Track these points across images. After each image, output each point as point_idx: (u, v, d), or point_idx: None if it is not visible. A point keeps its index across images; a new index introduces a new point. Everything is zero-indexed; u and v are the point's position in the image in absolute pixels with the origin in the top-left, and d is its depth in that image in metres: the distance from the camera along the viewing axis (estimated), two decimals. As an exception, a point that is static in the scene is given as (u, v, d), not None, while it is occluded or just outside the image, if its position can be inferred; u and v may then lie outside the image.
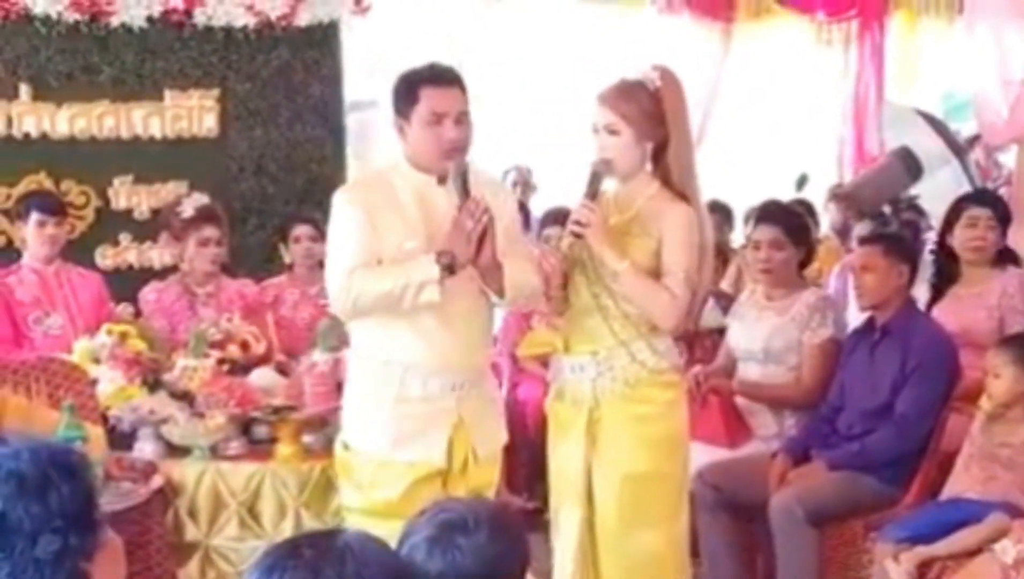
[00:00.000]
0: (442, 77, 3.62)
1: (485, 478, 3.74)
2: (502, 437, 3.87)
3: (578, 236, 3.68)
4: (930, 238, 6.50)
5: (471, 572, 2.22)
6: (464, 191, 3.56)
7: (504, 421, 3.92)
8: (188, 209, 5.49)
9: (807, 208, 7.25)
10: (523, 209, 6.09)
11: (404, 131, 3.64)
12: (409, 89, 3.61)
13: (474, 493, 3.64)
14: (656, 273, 3.72)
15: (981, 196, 5.41)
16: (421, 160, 3.64)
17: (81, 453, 2.11)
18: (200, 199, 5.63)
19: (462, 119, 3.61)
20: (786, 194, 7.64)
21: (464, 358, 3.68)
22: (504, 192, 3.91)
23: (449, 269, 3.51)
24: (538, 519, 5.41)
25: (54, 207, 5.55)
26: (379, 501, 3.60)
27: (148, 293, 5.57)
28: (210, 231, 5.46)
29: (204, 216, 5.49)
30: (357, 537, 1.84)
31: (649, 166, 3.78)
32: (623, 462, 3.76)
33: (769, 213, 5.05)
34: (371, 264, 3.56)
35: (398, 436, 3.61)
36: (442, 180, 3.63)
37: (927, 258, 5.40)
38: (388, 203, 3.62)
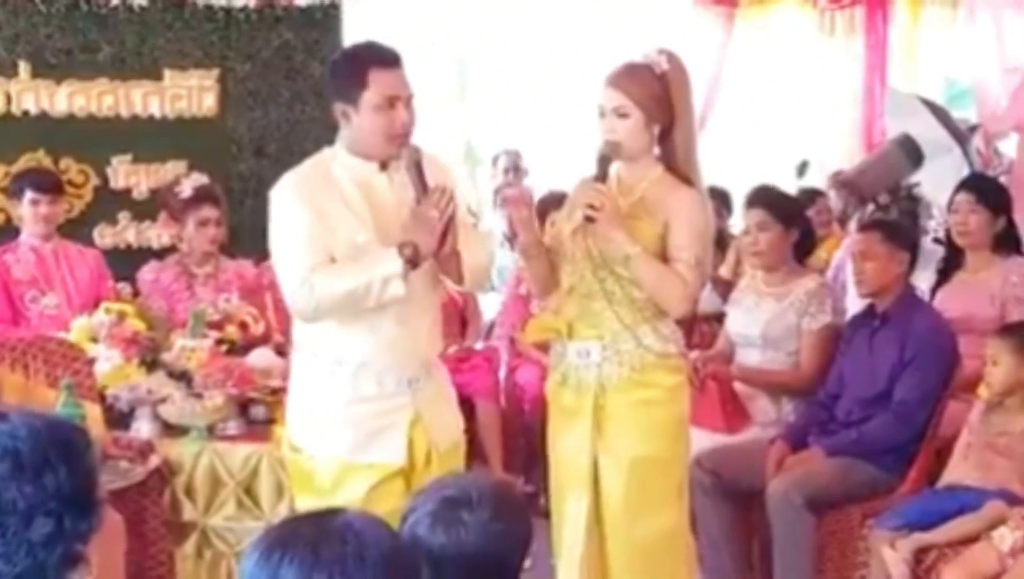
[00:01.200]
0: (390, 59, 3.44)
1: (449, 470, 3.61)
2: (459, 425, 3.74)
3: (591, 220, 3.62)
4: (930, 226, 6.51)
5: (474, 548, 2.22)
6: (420, 179, 3.42)
7: (458, 408, 3.79)
8: (187, 189, 5.47)
9: (811, 196, 7.24)
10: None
11: (348, 117, 3.44)
12: (356, 72, 3.41)
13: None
14: (660, 257, 3.71)
15: (966, 181, 5.43)
16: (366, 147, 3.46)
17: (82, 431, 2.08)
18: (199, 179, 5.62)
19: (410, 102, 3.46)
20: (787, 180, 7.63)
21: (417, 352, 3.56)
22: (448, 172, 3.69)
23: (412, 262, 3.36)
24: (535, 504, 5.42)
25: (48, 185, 5.54)
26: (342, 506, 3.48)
27: (146, 273, 5.56)
28: (209, 211, 5.45)
29: (203, 196, 5.47)
30: (358, 517, 1.84)
31: (657, 150, 3.77)
32: (630, 447, 3.75)
33: (755, 196, 5.05)
34: (326, 262, 3.40)
35: (356, 438, 3.47)
36: (384, 167, 3.49)
37: (928, 246, 5.41)
38: (332, 195, 3.44)
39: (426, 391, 3.58)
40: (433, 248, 3.40)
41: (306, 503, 3.56)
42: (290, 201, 3.42)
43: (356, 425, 3.50)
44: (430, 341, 3.66)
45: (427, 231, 3.37)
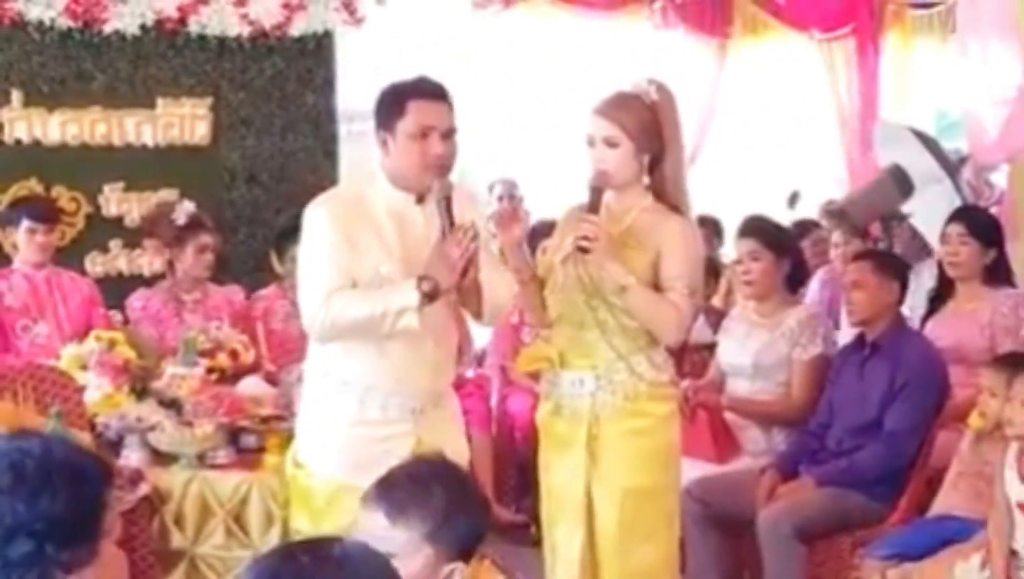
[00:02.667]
0: (431, 91, 3.52)
1: None
2: (464, 455, 3.73)
3: (585, 251, 3.62)
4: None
5: None
6: (448, 215, 3.46)
7: (464, 438, 3.83)
8: (182, 216, 5.49)
9: (806, 227, 7.25)
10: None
11: (387, 145, 3.52)
12: (396, 101, 3.49)
13: None
14: (651, 286, 3.71)
15: (957, 213, 5.45)
16: (402, 176, 3.52)
17: (103, 464, 2.05)
18: (189, 207, 5.63)
19: (448, 136, 3.51)
20: (779, 210, 7.65)
21: (427, 381, 3.60)
22: (475, 206, 3.78)
23: (430, 296, 3.40)
24: (526, 533, 5.41)
25: (45, 215, 5.55)
26: (331, 529, 3.41)
27: (134, 301, 5.57)
28: (207, 237, 5.48)
29: (198, 223, 5.50)
30: (354, 546, 1.83)
31: (646, 179, 3.77)
32: (624, 476, 3.74)
33: (747, 226, 5.07)
34: (347, 286, 3.46)
35: (356, 460, 3.47)
36: (420, 199, 3.54)
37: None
38: (365, 221, 3.50)
39: (431, 421, 3.61)
40: (452, 285, 3.44)
41: (300, 520, 3.65)
42: (321, 220, 3.50)
43: (357, 447, 3.53)
44: (442, 372, 3.69)
45: (448, 267, 3.41)
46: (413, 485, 2.30)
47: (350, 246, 3.45)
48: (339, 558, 1.77)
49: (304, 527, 3.61)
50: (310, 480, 3.60)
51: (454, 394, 3.85)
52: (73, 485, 1.96)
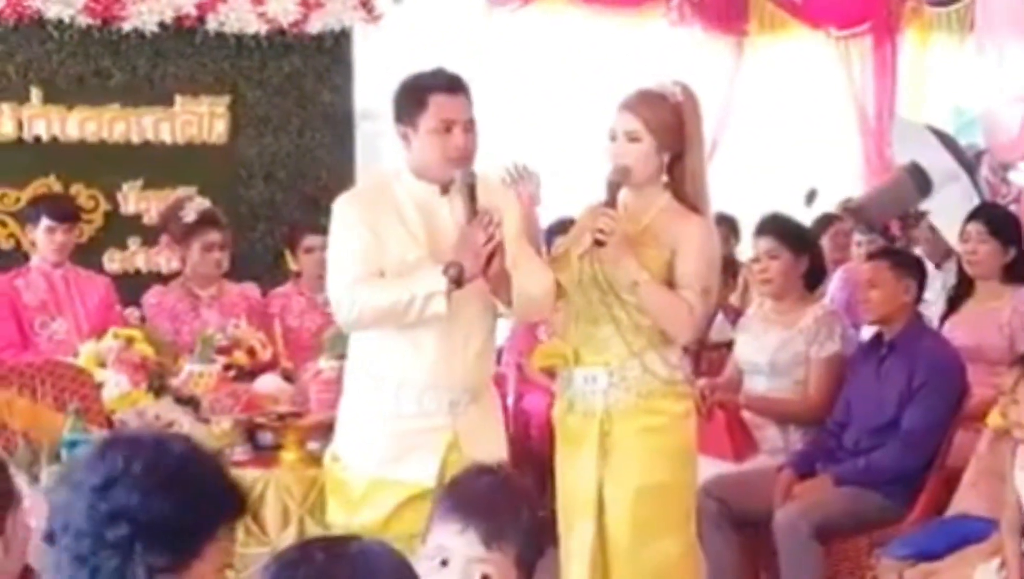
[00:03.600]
0: (451, 84, 3.56)
1: None
2: (501, 452, 3.75)
3: (601, 244, 3.62)
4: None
5: None
6: (471, 203, 3.51)
7: (503, 434, 3.86)
8: (191, 214, 5.50)
9: (828, 220, 7.23)
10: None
11: (409, 139, 3.57)
12: (417, 96, 3.54)
13: None
14: (667, 285, 3.71)
15: (976, 211, 5.44)
16: (426, 169, 3.57)
17: (233, 500, 2.05)
18: (202, 203, 5.64)
19: (469, 127, 3.56)
20: (796, 208, 7.62)
21: (463, 374, 3.62)
22: (509, 196, 3.84)
23: (456, 281, 3.43)
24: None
25: (65, 213, 5.57)
26: (367, 522, 3.51)
27: (150, 297, 5.59)
28: (214, 235, 5.49)
29: (207, 220, 5.50)
30: (372, 544, 1.83)
31: (664, 178, 3.78)
32: (636, 474, 3.74)
33: (765, 224, 5.06)
34: (374, 275, 3.51)
35: (391, 454, 3.56)
36: (445, 190, 3.59)
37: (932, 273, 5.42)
38: (390, 213, 3.56)
39: (470, 415, 3.64)
40: (478, 270, 3.47)
41: (336, 513, 3.70)
42: (347, 212, 3.58)
43: (393, 441, 3.58)
44: (478, 365, 3.70)
45: (473, 252, 3.45)
46: (507, 507, 2.23)
47: (375, 236, 3.51)
48: (355, 556, 1.77)
49: (339, 520, 3.65)
50: (346, 473, 3.66)
51: (495, 390, 3.87)
52: (192, 500, 1.97)
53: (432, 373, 3.56)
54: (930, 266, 6.10)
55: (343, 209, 3.61)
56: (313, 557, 1.77)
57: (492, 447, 3.70)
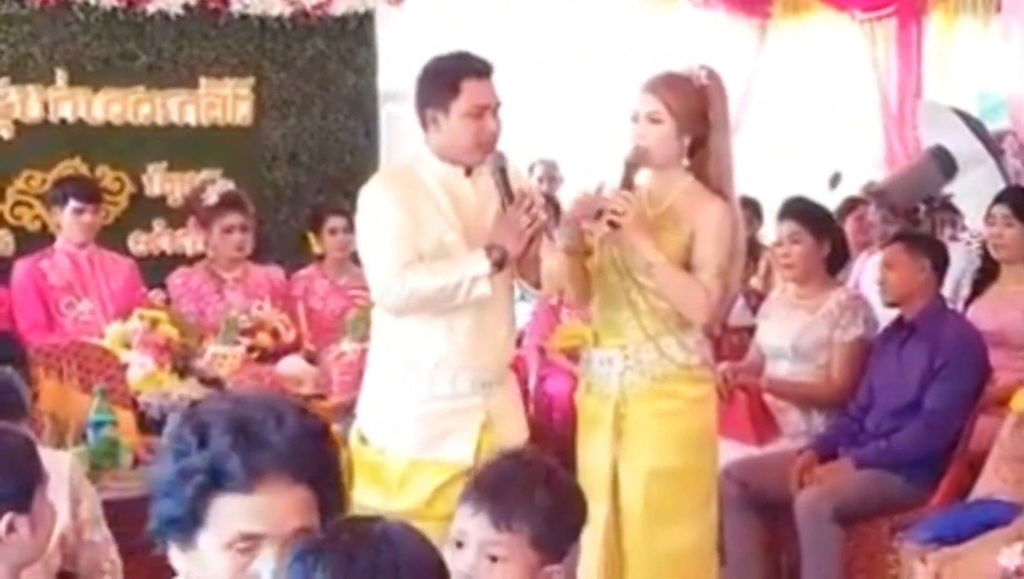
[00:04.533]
0: (482, 69, 3.57)
1: None
2: (525, 435, 3.82)
3: (615, 225, 3.62)
4: (963, 237, 6.49)
5: None
6: (506, 185, 3.54)
7: (525, 418, 3.89)
8: (212, 196, 5.52)
9: (852, 204, 7.20)
10: (551, 202, 6.10)
11: (438, 122, 3.56)
12: (449, 81, 3.53)
13: None
14: (684, 268, 3.71)
15: (1002, 194, 5.42)
16: (456, 153, 3.58)
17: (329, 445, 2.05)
18: (225, 185, 5.66)
19: (497, 111, 3.58)
20: (820, 191, 7.60)
21: (493, 355, 3.66)
22: (524, 178, 3.88)
23: (499, 264, 3.48)
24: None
25: (91, 194, 5.61)
26: (407, 507, 3.47)
27: (175, 278, 5.62)
28: (233, 218, 5.49)
29: (228, 203, 5.52)
30: (397, 527, 1.83)
31: (685, 161, 3.77)
32: (648, 457, 3.74)
33: (788, 208, 5.05)
34: (416, 259, 3.52)
35: (428, 436, 3.58)
36: (468, 172, 3.61)
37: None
38: (421, 194, 3.57)
39: (498, 396, 3.68)
40: (520, 252, 3.52)
41: (369, 496, 3.64)
42: (382, 199, 3.57)
43: (428, 423, 3.59)
44: (506, 346, 3.75)
45: (515, 235, 3.49)
46: (518, 489, 2.26)
47: (412, 219, 3.52)
48: (379, 537, 1.78)
49: (374, 503, 3.60)
50: (381, 457, 3.64)
51: (512, 373, 3.90)
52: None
53: (466, 354, 3.58)
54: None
55: (377, 194, 3.61)
56: (338, 538, 1.78)
57: (519, 426, 3.79)
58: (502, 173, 3.55)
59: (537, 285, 3.69)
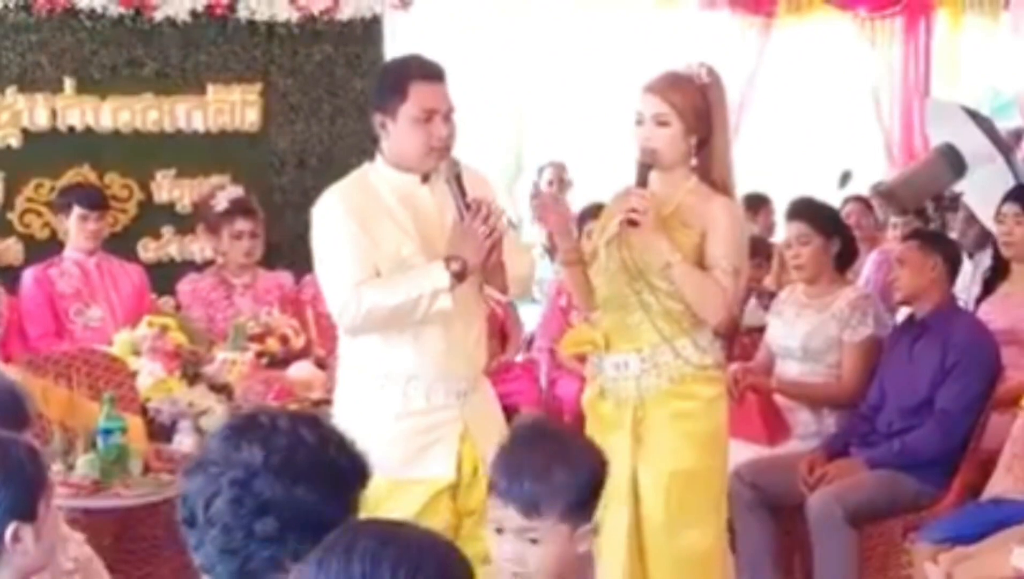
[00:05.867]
0: (432, 72, 3.48)
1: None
2: (503, 434, 3.77)
3: (634, 224, 3.60)
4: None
5: None
6: (461, 193, 3.44)
7: (503, 421, 3.80)
8: (222, 202, 5.52)
9: (865, 204, 7.19)
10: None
11: (387, 128, 3.49)
12: (397, 84, 3.45)
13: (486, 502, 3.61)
14: (698, 268, 3.70)
15: (1012, 192, 5.40)
16: (404, 159, 3.49)
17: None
18: (234, 191, 5.66)
19: (450, 116, 3.49)
20: (829, 191, 7.59)
21: (465, 363, 3.58)
22: (485, 181, 3.73)
23: (459, 276, 3.38)
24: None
25: (96, 201, 5.61)
26: None
27: (184, 285, 5.63)
28: (243, 224, 5.49)
29: (237, 209, 5.52)
30: (420, 530, 1.82)
31: (693, 160, 3.75)
32: (669, 459, 3.72)
33: (795, 209, 5.05)
34: (373, 275, 3.43)
35: (407, 454, 3.48)
36: (425, 179, 3.51)
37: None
38: (375, 208, 3.47)
39: (474, 404, 3.61)
40: (480, 262, 3.42)
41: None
42: (335, 215, 3.46)
43: (406, 441, 3.50)
44: (477, 352, 3.66)
45: (474, 246, 3.40)
46: (536, 476, 2.37)
47: (367, 234, 3.42)
48: (404, 539, 1.76)
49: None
50: None
51: (485, 377, 3.81)
52: (332, 487, 2.03)
53: (437, 366, 3.50)
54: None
55: (330, 208, 3.49)
56: (361, 541, 1.77)
57: (498, 430, 3.66)
58: (456, 181, 3.45)
59: (504, 290, 3.62)
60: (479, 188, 3.56)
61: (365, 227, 3.43)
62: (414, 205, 3.50)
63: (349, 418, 3.54)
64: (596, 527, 2.48)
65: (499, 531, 2.40)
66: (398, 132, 3.47)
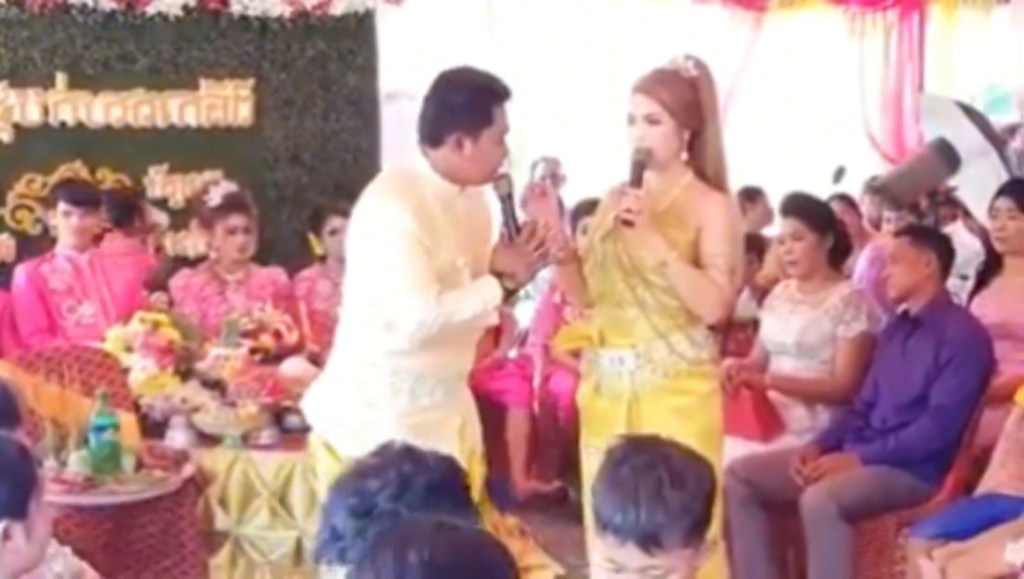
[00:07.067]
0: (508, 94, 3.53)
1: (480, 473, 3.67)
2: (477, 426, 3.83)
3: (629, 224, 3.59)
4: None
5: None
6: (512, 211, 3.52)
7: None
8: (215, 197, 5.50)
9: (849, 202, 7.20)
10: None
11: (462, 146, 3.47)
12: (483, 107, 3.48)
13: (479, 493, 3.61)
14: (692, 264, 3.69)
15: (1005, 187, 5.41)
16: (468, 174, 3.52)
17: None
18: (228, 187, 5.65)
19: None
20: (822, 186, 7.59)
21: (464, 364, 3.67)
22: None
23: (509, 293, 3.48)
24: (565, 501, 5.46)
25: (80, 198, 5.58)
26: None
27: (178, 280, 5.61)
28: (237, 219, 5.46)
29: (231, 204, 5.50)
30: (476, 530, 1.82)
31: (685, 156, 3.74)
32: None
33: (788, 205, 5.05)
34: (436, 282, 3.43)
35: None
36: (462, 188, 3.56)
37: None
38: (427, 216, 3.47)
39: (465, 400, 3.70)
40: (528, 281, 3.55)
41: None
42: (402, 216, 3.42)
43: (411, 435, 3.47)
44: (472, 353, 3.76)
45: (528, 266, 3.49)
46: (649, 506, 2.22)
47: (431, 239, 3.43)
48: (462, 539, 1.77)
49: None
50: None
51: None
52: (447, 514, 1.98)
53: (443, 366, 3.57)
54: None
55: (393, 209, 3.44)
56: (421, 537, 1.75)
57: (478, 427, 3.80)
58: (509, 199, 3.52)
59: (510, 302, 3.70)
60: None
61: (427, 231, 3.43)
62: (452, 214, 3.53)
63: (352, 412, 3.61)
64: (715, 538, 2.33)
65: (617, 571, 2.26)
66: (478, 152, 3.48)
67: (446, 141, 3.49)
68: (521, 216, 3.58)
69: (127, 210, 6.16)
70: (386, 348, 3.53)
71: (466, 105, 3.50)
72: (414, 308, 3.42)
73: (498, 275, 3.46)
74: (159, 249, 6.43)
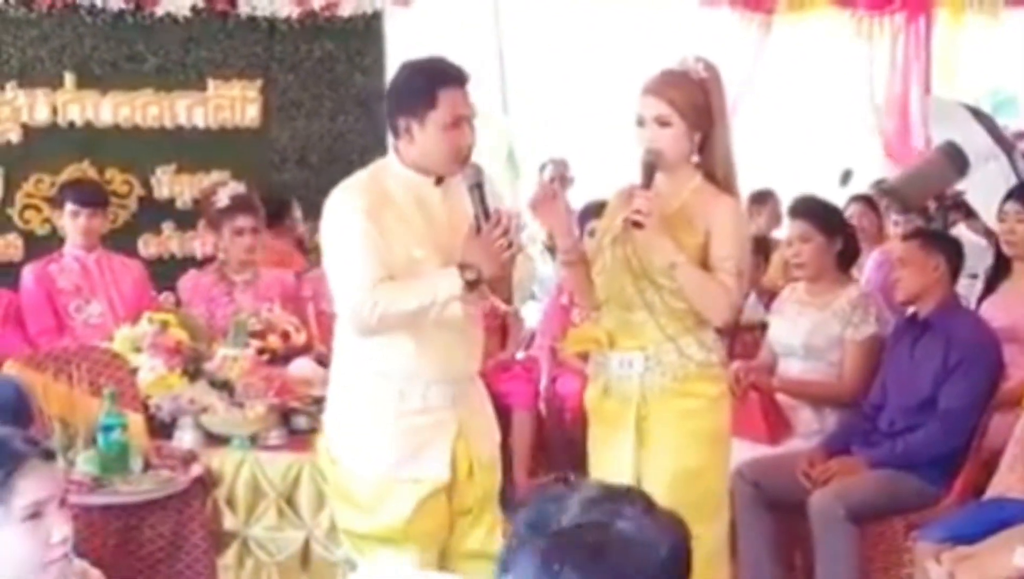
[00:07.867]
0: (460, 77, 3.45)
1: (489, 484, 3.65)
2: (497, 437, 3.75)
3: (639, 225, 3.56)
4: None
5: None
6: (482, 202, 3.41)
7: (495, 420, 3.78)
8: (223, 198, 5.51)
9: (869, 203, 7.18)
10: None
11: (411, 132, 3.43)
12: (426, 89, 3.40)
13: (481, 501, 3.60)
14: (701, 267, 3.68)
15: (1013, 190, 5.40)
16: (428, 163, 3.46)
17: None
18: (236, 188, 5.65)
19: (472, 121, 3.48)
20: (829, 189, 7.59)
21: (461, 366, 3.57)
22: (496, 195, 3.78)
23: (472, 285, 3.36)
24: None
25: (88, 198, 5.59)
26: (387, 524, 3.46)
27: (186, 280, 5.62)
28: (244, 220, 5.47)
29: (239, 205, 5.51)
30: (630, 526, 1.81)
31: (696, 158, 3.73)
32: (673, 458, 3.70)
33: (797, 207, 5.04)
34: (387, 276, 3.38)
35: (401, 453, 3.46)
36: (439, 181, 3.50)
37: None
38: (388, 206, 3.43)
39: (468, 404, 3.59)
40: (496, 273, 3.41)
41: (347, 515, 3.59)
42: (352, 213, 3.40)
43: (402, 440, 3.48)
44: (473, 355, 3.66)
45: (492, 256, 3.38)
46: None
47: (381, 232, 3.38)
48: (624, 539, 1.79)
49: (353, 523, 3.56)
50: (351, 477, 3.53)
51: (478, 377, 3.78)
52: None
53: (435, 367, 3.48)
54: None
55: (345, 207, 3.43)
56: (582, 538, 1.75)
57: (489, 429, 3.72)
58: (479, 188, 3.42)
59: (508, 301, 3.63)
60: (496, 201, 3.61)
61: (380, 227, 3.38)
62: (426, 207, 3.48)
63: (342, 415, 3.59)
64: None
65: None
66: (426, 138, 3.42)
67: (399, 129, 3.46)
68: (492, 207, 3.45)
69: (277, 210, 6.16)
70: (365, 347, 3.48)
71: (409, 90, 3.46)
72: (346, 295, 3.40)
73: (467, 267, 3.37)
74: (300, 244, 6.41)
